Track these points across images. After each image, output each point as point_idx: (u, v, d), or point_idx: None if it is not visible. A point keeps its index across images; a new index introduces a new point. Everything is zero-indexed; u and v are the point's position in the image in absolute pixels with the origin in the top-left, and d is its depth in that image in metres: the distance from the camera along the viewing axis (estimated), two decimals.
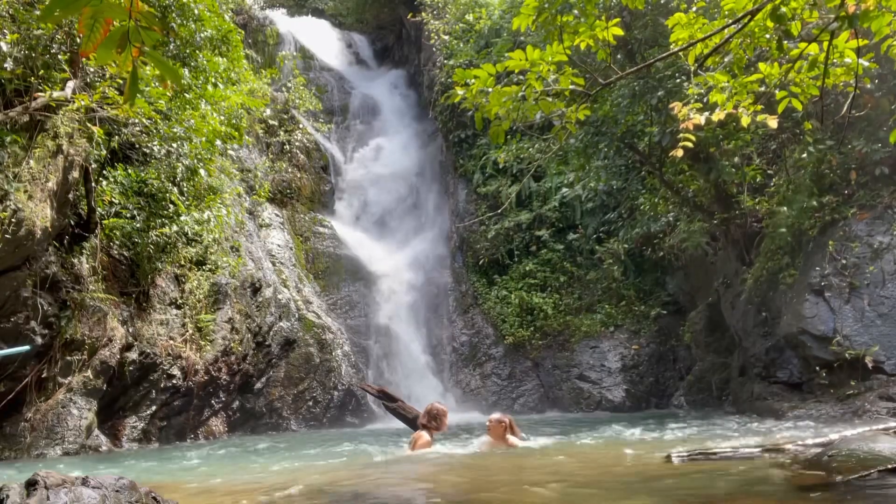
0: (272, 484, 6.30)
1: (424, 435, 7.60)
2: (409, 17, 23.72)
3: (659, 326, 16.52)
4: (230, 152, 14.58)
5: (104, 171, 11.49)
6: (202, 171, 11.99)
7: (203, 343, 13.03)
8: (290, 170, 19.79)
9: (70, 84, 9.90)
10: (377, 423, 15.61)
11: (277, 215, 18.72)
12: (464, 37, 21.44)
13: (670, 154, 5.23)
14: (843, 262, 10.57)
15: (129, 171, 11.60)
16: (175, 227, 11.90)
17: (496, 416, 8.08)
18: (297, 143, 20.26)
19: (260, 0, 25.56)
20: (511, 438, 7.81)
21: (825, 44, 4.49)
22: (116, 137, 11.12)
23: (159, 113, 10.70)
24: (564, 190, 18.29)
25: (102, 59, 2.33)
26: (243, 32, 17.13)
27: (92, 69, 10.57)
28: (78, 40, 10.08)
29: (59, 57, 10.05)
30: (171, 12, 11.40)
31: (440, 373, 18.11)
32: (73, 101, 9.60)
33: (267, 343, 15.06)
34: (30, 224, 9.05)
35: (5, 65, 9.28)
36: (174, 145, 11.28)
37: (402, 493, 5.42)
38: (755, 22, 4.71)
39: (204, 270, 13.53)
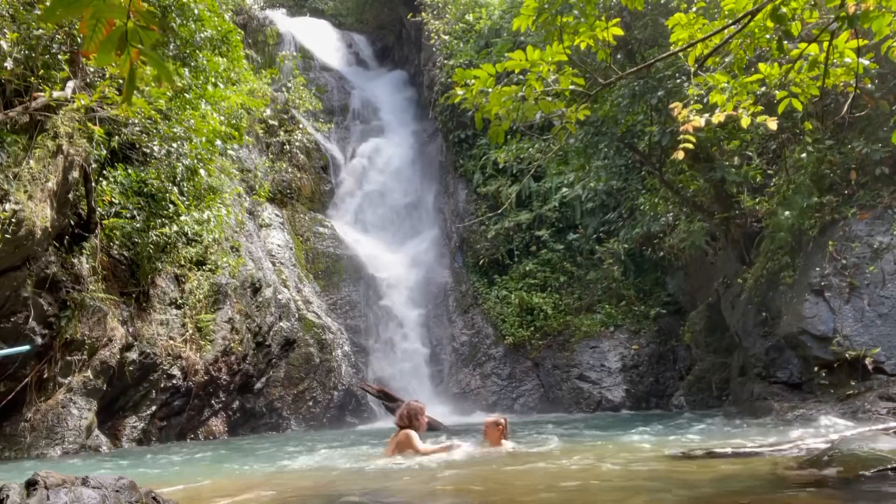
0: (273, 484, 6.30)
1: (412, 435, 7.17)
2: (409, 17, 23.72)
3: (659, 326, 16.51)
4: (230, 152, 14.57)
5: (104, 171, 11.49)
6: (202, 171, 11.98)
7: (203, 343, 13.03)
8: (290, 170, 19.79)
9: (70, 84, 9.89)
10: (377, 422, 15.62)
11: (277, 215, 18.72)
12: (464, 37, 21.44)
13: (670, 154, 5.23)
14: (843, 262, 10.56)
15: (129, 171, 11.60)
16: (175, 227, 11.90)
17: (492, 417, 8.04)
18: (297, 143, 20.26)
19: (260, 0, 25.55)
20: (505, 442, 7.77)
21: (825, 44, 4.49)
22: (116, 137, 11.12)
23: (159, 113, 10.70)
24: (564, 190, 18.28)
25: (102, 61, 2.31)
26: (243, 32, 17.13)
27: (92, 69, 10.57)
28: (79, 40, 10.08)
29: (59, 57, 10.05)
30: (171, 12, 11.39)
31: (440, 373, 18.11)
32: (73, 101, 9.60)
33: (267, 343, 15.06)
34: (30, 224, 9.05)
35: (5, 64, 9.27)
36: (174, 145, 11.27)
37: (412, 499, 5.43)
38: (755, 22, 4.71)
39: (204, 270, 13.53)
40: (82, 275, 10.60)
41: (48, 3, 2.16)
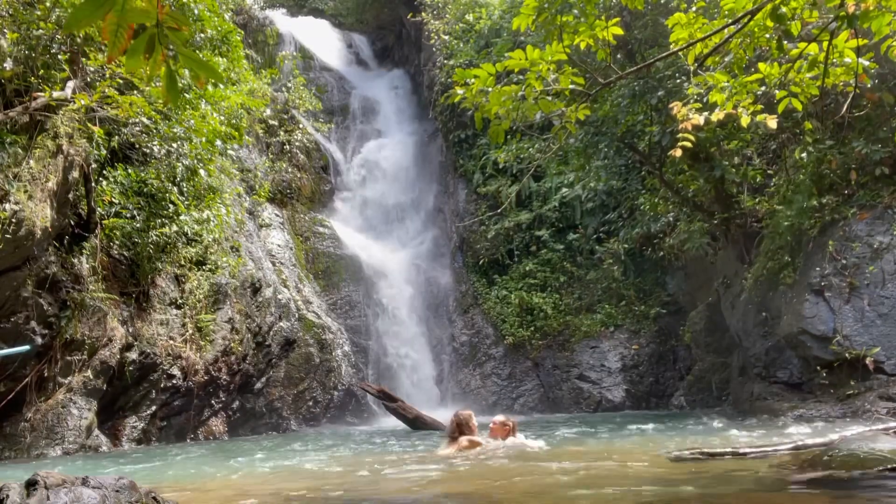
0: (273, 484, 6.30)
1: (476, 440, 7.62)
2: (409, 17, 23.71)
3: (659, 326, 16.51)
4: (230, 152, 14.57)
5: (104, 171, 11.49)
6: (202, 171, 11.98)
7: (203, 343, 13.02)
8: (290, 170, 19.79)
9: (70, 84, 9.90)
10: (377, 422, 15.62)
11: (277, 215, 18.72)
12: (464, 37, 21.44)
13: (670, 154, 5.23)
14: (843, 262, 10.57)
15: (129, 171, 11.60)
16: (175, 227, 11.90)
17: (500, 418, 8.08)
18: (297, 143, 20.26)
19: (260, 0, 25.55)
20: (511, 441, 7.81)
21: (825, 44, 4.49)
22: (116, 137, 11.12)
23: (159, 113, 10.70)
24: (564, 190, 18.28)
25: (132, 66, 2.30)
26: (243, 32, 17.13)
27: (92, 69, 10.57)
28: (78, 40, 10.09)
29: (59, 57, 10.05)
30: None
31: (440, 373, 18.11)
32: (73, 101, 9.60)
33: (267, 343, 15.06)
34: (30, 224, 9.05)
35: (5, 64, 9.28)
36: (174, 145, 11.28)
37: (407, 497, 5.43)
38: (755, 22, 4.71)
39: (204, 270, 13.53)
40: (82, 275, 10.60)
41: (70, 12, 2.15)
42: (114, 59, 2.32)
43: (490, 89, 4.92)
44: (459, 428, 7.75)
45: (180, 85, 10.80)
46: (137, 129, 10.95)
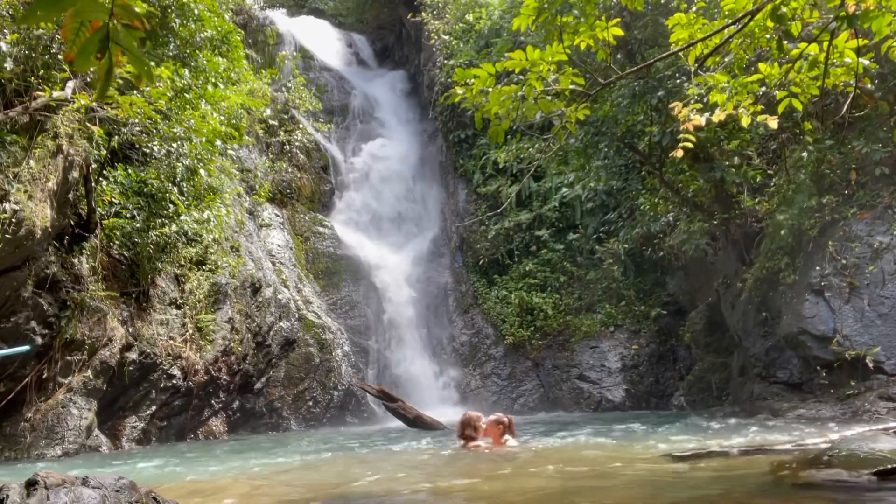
0: (273, 484, 6.31)
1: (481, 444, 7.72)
2: (409, 17, 23.72)
3: (659, 326, 16.50)
4: (230, 152, 14.56)
5: (104, 171, 11.49)
6: (202, 171, 11.98)
7: (203, 343, 13.02)
8: (290, 170, 19.79)
9: (70, 84, 9.89)
10: (377, 423, 15.62)
11: (277, 215, 18.71)
12: (464, 37, 21.44)
13: (670, 154, 5.23)
14: (843, 262, 10.57)
15: (129, 171, 11.60)
16: (175, 227, 11.89)
17: (493, 416, 8.08)
18: (297, 143, 20.25)
19: (260, 0, 25.55)
20: (507, 439, 7.81)
21: (825, 44, 4.49)
22: (116, 137, 11.12)
23: (159, 113, 10.70)
24: (564, 190, 18.28)
25: (81, 66, 2.17)
26: (243, 32, 17.13)
27: (92, 69, 10.55)
28: None
29: (59, 57, 10.05)
30: (171, 12, 11.40)
31: (440, 373, 18.11)
32: (73, 101, 9.60)
33: (267, 343, 15.06)
34: (30, 224, 9.05)
35: (5, 65, 9.28)
36: (174, 145, 11.27)
37: (412, 495, 5.43)
38: (755, 22, 4.71)
39: (204, 270, 13.53)
40: (82, 275, 10.60)
41: (27, 6, 2.06)
42: (72, 58, 2.18)
43: (490, 89, 4.93)
44: (465, 429, 7.81)
45: (180, 84, 10.75)
46: (137, 129, 10.95)
